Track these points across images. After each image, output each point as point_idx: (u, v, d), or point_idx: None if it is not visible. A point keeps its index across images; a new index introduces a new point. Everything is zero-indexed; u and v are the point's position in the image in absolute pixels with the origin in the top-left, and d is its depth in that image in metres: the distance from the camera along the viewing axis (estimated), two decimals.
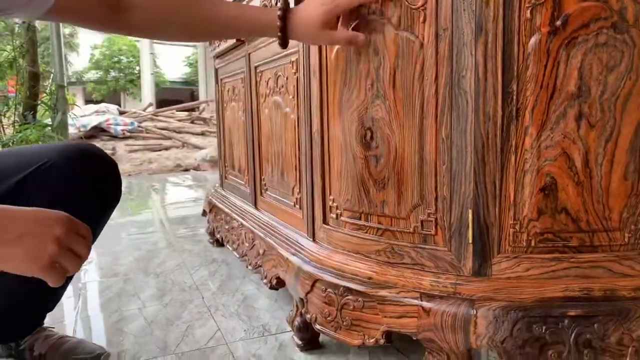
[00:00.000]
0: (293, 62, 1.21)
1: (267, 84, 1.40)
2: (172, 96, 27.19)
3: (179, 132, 8.27)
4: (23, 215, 0.56)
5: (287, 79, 1.26)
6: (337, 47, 1.01)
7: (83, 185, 0.95)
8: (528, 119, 0.83)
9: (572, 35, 0.81)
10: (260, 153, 1.51)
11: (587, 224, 0.84)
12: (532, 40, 0.82)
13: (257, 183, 1.55)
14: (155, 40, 21.18)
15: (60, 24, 4.61)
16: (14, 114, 4.07)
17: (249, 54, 1.52)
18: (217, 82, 1.98)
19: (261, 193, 1.52)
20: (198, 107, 10.13)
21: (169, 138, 7.88)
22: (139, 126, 7.95)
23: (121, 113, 8.89)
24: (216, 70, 1.98)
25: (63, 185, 0.92)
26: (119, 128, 7.63)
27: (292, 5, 0.95)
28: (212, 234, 2.03)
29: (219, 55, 1.89)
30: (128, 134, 7.69)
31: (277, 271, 1.21)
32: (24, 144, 3.79)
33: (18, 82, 4.12)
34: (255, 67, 1.48)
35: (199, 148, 7.64)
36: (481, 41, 0.82)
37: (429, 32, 0.87)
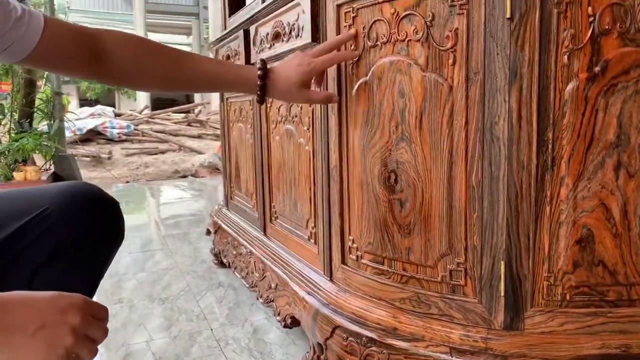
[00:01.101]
0: None
1: (279, 110, 1.36)
2: (167, 96, 27.08)
3: (176, 135, 8.20)
4: (41, 302, 0.52)
5: (300, 109, 1.22)
6: (358, 83, 0.97)
7: (86, 231, 0.91)
8: (564, 169, 0.80)
9: (611, 82, 0.77)
10: (270, 179, 1.46)
11: (625, 277, 0.81)
12: (570, 86, 0.78)
13: (267, 209, 1.50)
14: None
15: None
16: (10, 121, 4.00)
17: None
18: (222, 100, 1.94)
19: (271, 220, 1.48)
20: (194, 110, 10.04)
21: (166, 141, 7.81)
22: (135, 129, 7.87)
23: (117, 115, 8.80)
24: None
25: (65, 232, 0.87)
26: (115, 131, 7.56)
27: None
28: (217, 255, 1.98)
29: None
30: (124, 137, 7.61)
31: (291, 310, 1.17)
32: (20, 153, 3.73)
33: (14, 89, 4.04)
34: None
35: (196, 152, 7.58)
36: (515, 87, 0.79)
37: (458, 75, 0.83)
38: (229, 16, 1.82)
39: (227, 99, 1.89)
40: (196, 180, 4.88)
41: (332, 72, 1.03)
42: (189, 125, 8.91)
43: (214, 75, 0.88)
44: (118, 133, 7.64)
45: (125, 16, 22.67)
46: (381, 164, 0.94)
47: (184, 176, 5.49)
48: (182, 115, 9.43)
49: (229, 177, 1.94)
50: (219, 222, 1.92)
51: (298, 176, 1.26)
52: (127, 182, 5.01)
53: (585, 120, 0.78)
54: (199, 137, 8.46)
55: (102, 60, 0.79)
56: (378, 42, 0.92)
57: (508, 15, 0.77)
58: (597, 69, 0.77)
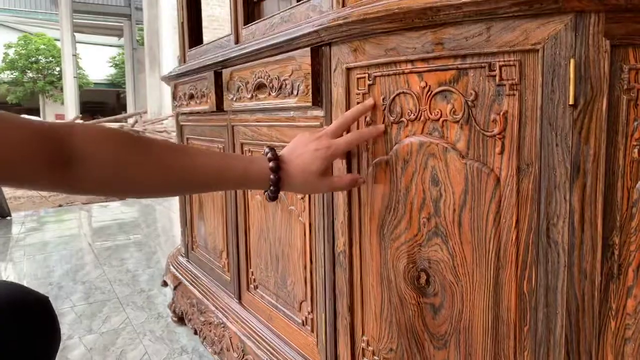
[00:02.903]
0: None
1: None
2: (97, 99, 25.83)
3: None
4: None
5: None
6: (375, 161, 0.82)
7: (17, 342, 0.73)
8: (632, 278, 0.69)
9: None
10: (248, 243, 1.29)
11: None
12: (639, 185, 0.67)
13: (243, 275, 1.33)
14: (77, 41, 19.90)
15: None
16: None
17: (232, 126, 1.30)
18: (181, 139, 1.73)
19: (248, 288, 1.31)
20: (126, 120, 9.52)
21: None
22: None
23: None
24: (181, 127, 1.72)
25: None
26: None
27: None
28: (175, 312, 1.77)
29: (184, 113, 1.64)
30: None
31: None
32: None
33: None
34: (242, 144, 1.26)
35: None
36: (578, 184, 0.67)
37: (507, 165, 0.70)
38: (190, 48, 1.62)
39: (188, 139, 1.69)
40: (140, 202, 4.55)
41: None
42: None
43: (217, 173, 0.71)
44: None
45: (50, 16, 21.38)
46: (408, 259, 0.80)
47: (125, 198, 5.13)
48: (117, 125, 8.90)
49: (190, 224, 1.73)
50: (180, 277, 1.71)
51: (289, 250, 1.09)
52: (60, 205, 4.59)
53: None
54: None
55: (71, 164, 0.58)
56: (403, 119, 0.78)
57: (571, 102, 0.65)
58: None
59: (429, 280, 0.78)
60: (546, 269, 0.69)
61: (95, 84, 24.43)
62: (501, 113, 0.69)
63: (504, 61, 0.69)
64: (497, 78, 0.69)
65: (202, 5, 1.74)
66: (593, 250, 0.68)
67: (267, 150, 0.75)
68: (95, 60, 23.79)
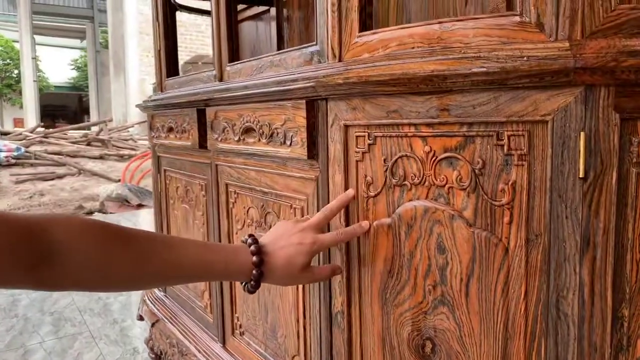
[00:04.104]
0: (296, 209, 0.97)
1: (247, 212, 1.15)
2: (58, 102, 25.06)
3: (74, 157, 7.45)
4: None
5: None
6: (377, 223, 0.80)
7: None
8: None
9: None
10: (233, 287, 1.24)
11: None
12: None
13: (228, 319, 1.28)
14: (37, 43, 19.24)
15: None
16: None
17: (216, 165, 1.25)
18: (157, 170, 1.67)
19: (233, 333, 1.26)
20: (89, 128, 9.25)
21: (63, 164, 7.07)
22: (26, 151, 7.02)
23: (2, 135, 7.80)
24: (158, 158, 1.66)
25: None
26: (2, 155, 6.69)
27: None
28: (153, 349, 1.70)
29: (164, 145, 1.58)
30: (13, 160, 6.75)
31: None
32: None
33: None
34: (227, 185, 1.22)
35: (99, 175, 6.95)
36: (588, 257, 0.66)
37: (516, 235, 0.69)
38: (167, 77, 1.56)
39: (165, 170, 1.63)
40: (105, 218, 4.41)
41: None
42: (88, 144, 8.16)
43: (198, 268, 0.67)
44: (6, 157, 6.80)
45: (7, 17, 20.66)
46: (412, 327, 0.77)
47: (90, 212, 4.96)
48: (81, 133, 8.63)
49: None
50: (158, 314, 1.65)
51: (279, 301, 1.05)
52: None
53: None
54: (101, 157, 7.78)
55: (50, 261, 0.53)
56: (406, 182, 0.75)
57: (581, 175, 0.64)
58: None
59: (434, 349, 0.76)
60: (556, 341, 0.68)
61: (56, 87, 23.72)
62: (510, 183, 0.68)
63: (513, 131, 0.67)
64: (506, 147, 0.68)
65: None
66: (603, 323, 0.67)
67: (249, 240, 0.72)
68: (56, 63, 23.10)
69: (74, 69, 24.27)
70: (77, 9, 20.21)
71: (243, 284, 0.74)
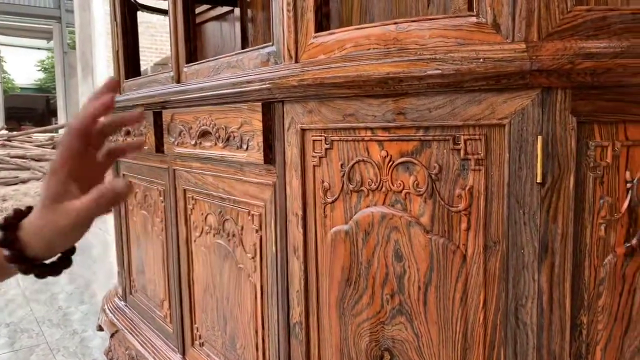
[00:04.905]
0: (254, 215, 0.93)
1: (205, 219, 1.11)
2: (24, 104, 24.36)
3: (39, 161, 7.23)
4: None
5: (241, 228, 0.98)
6: (334, 230, 0.77)
7: None
8: (599, 358, 0.67)
9: None
10: (193, 297, 1.20)
11: None
12: (606, 263, 0.65)
13: (187, 330, 1.23)
14: (1, 43, 18.64)
15: None
16: None
17: (174, 170, 1.21)
18: (116, 175, 1.61)
19: (193, 344, 1.22)
20: (57, 130, 9.00)
21: (27, 168, 6.85)
22: None
23: None
24: (117, 162, 1.60)
25: None
26: None
27: None
28: None
29: None
30: None
31: None
32: None
33: None
34: (185, 191, 1.17)
35: None
36: (546, 263, 0.64)
37: (474, 242, 0.67)
38: (126, 78, 1.51)
39: (124, 175, 1.57)
40: None
41: (296, 205, 0.82)
42: (54, 148, 7.92)
43: None
44: None
45: None
46: (371, 337, 0.75)
47: None
48: (47, 136, 8.39)
49: (128, 266, 1.61)
50: (118, 324, 1.58)
51: (238, 311, 1.02)
52: None
53: (623, 301, 0.66)
54: None
55: None
56: (363, 188, 0.73)
57: (539, 180, 0.62)
58: (634, 241, 0.65)
59: None
60: (515, 351, 0.66)
61: (22, 88, 23.05)
62: (466, 188, 0.66)
63: (469, 135, 0.65)
64: (462, 152, 0.66)
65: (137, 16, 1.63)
66: (562, 331, 0.65)
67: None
68: (23, 64, 22.46)
69: (40, 70, 23.64)
70: (44, 8, 19.69)
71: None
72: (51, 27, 20.14)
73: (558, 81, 0.60)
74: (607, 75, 0.60)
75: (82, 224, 0.50)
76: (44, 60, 23.77)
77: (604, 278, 0.65)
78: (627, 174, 0.64)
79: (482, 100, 0.64)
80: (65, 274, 2.29)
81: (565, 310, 0.65)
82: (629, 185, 0.65)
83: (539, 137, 0.62)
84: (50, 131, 8.67)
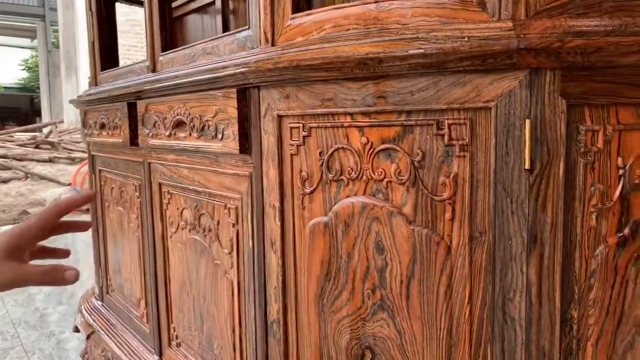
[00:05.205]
0: (230, 209, 0.89)
1: (181, 214, 1.06)
2: (8, 104, 24.00)
3: (21, 160, 7.10)
4: None
5: (218, 223, 0.94)
6: (313, 223, 0.73)
7: None
8: (591, 353, 0.64)
9: None
10: (169, 295, 1.15)
11: None
12: (598, 254, 0.62)
13: (164, 329, 1.18)
14: None
15: None
16: None
17: (149, 163, 1.16)
18: (92, 170, 1.55)
19: (170, 344, 1.17)
20: (40, 129, 8.85)
21: (9, 168, 6.72)
22: None
23: None
24: (93, 157, 1.55)
25: None
26: None
27: None
28: None
29: (97, 143, 1.47)
30: None
31: None
32: None
33: None
34: (160, 185, 1.13)
35: (48, 179, 6.64)
36: (535, 255, 0.61)
37: (459, 233, 0.63)
38: (102, 70, 1.45)
39: (100, 170, 1.51)
40: None
41: (273, 197, 0.77)
42: (37, 147, 7.78)
43: None
44: None
45: None
46: (351, 335, 0.71)
47: None
48: (29, 136, 8.23)
49: (104, 265, 1.56)
50: (94, 324, 1.53)
51: (214, 310, 0.97)
52: None
53: (615, 294, 0.63)
54: (50, 161, 7.43)
55: None
56: (343, 177, 0.69)
57: (527, 166, 0.59)
58: (626, 231, 0.62)
59: (374, 359, 0.69)
60: (502, 347, 0.63)
61: (5, 88, 22.71)
62: (451, 176, 0.62)
63: (454, 119, 0.62)
64: (446, 137, 0.62)
65: (121, 12, 1.58)
66: (551, 325, 0.62)
67: None
68: (6, 63, 22.12)
69: (24, 69, 23.31)
70: (28, 7, 19.40)
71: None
72: (35, 25, 19.86)
73: (547, 61, 0.57)
74: (598, 54, 0.57)
75: (17, 284, 0.55)
76: (27, 60, 23.45)
77: (595, 270, 0.62)
78: (619, 160, 0.61)
79: (467, 82, 0.60)
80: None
81: (554, 304, 0.62)
82: (621, 171, 0.62)
83: (527, 121, 0.58)
84: (32, 130, 8.51)
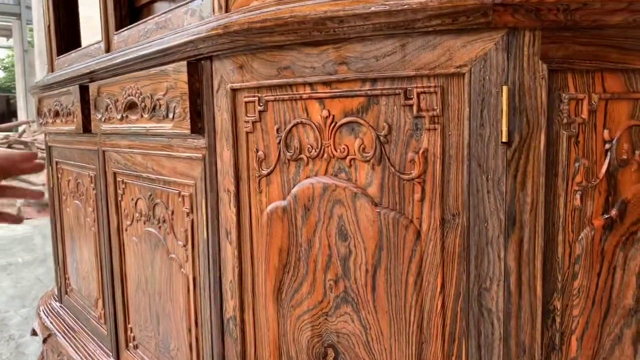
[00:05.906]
0: (184, 196, 0.81)
1: (136, 204, 0.98)
2: None
3: None
4: None
5: (172, 213, 0.86)
6: (270, 208, 0.66)
7: None
8: (575, 349, 0.57)
9: (630, 229, 0.57)
10: (126, 294, 1.07)
11: None
12: (582, 237, 0.56)
13: (121, 330, 1.10)
14: None
15: None
16: None
17: (104, 151, 1.08)
18: (49, 163, 1.46)
19: (127, 346, 1.08)
20: (16, 128, 8.62)
21: None
22: None
23: None
24: (49, 148, 1.45)
25: None
26: None
27: None
28: None
29: (52, 132, 1.38)
30: None
31: None
32: None
33: None
34: (115, 174, 1.04)
35: (18, 179, 6.44)
36: (514, 238, 0.54)
37: (429, 215, 0.56)
38: (58, 55, 1.36)
39: (57, 162, 1.42)
40: (18, 227, 4.04)
41: (227, 180, 0.70)
42: (9, 147, 7.56)
43: None
44: None
45: None
46: (312, 332, 0.63)
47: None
48: (2, 135, 7.99)
49: (63, 263, 1.46)
50: (51, 326, 1.43)
51: (170, 308, 0.89)
52: None
53: (601, 282, 0.57)
54: None
55: None
56: (302, 155, 0.62)
57: (504, 139, 0.52)
58: (613, 212, 0.56)
59: (337, 358, 0.62)
60: (478, 343, 0.56)
61: None
62: (420, 151, 0.55)
63: (423, 87, 0.55)
64: (415, 108, 0.55)
65: (81, 4, 1.48)
66: (532, 318, 0.56)
67: None
68: None
69: (0, 69, 22.83)
70: (3, 4, 18.98)
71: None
72: (10, 24, 19.44)
73: (525, 19, 0.50)
74: (582, 12, 0.50)
75: None
76: (3, 59, 22.97)
77: (580, 255, 0.56)
78: (606, 132, 0.55)
79: (437, 45, 0.53)
80: (9, 276, 2.10)
81: (535, 294, 0.55)
82: (607, 145, 0.56)
83: (504, 88, 0.52)
84: (5, 130, 8.28)
